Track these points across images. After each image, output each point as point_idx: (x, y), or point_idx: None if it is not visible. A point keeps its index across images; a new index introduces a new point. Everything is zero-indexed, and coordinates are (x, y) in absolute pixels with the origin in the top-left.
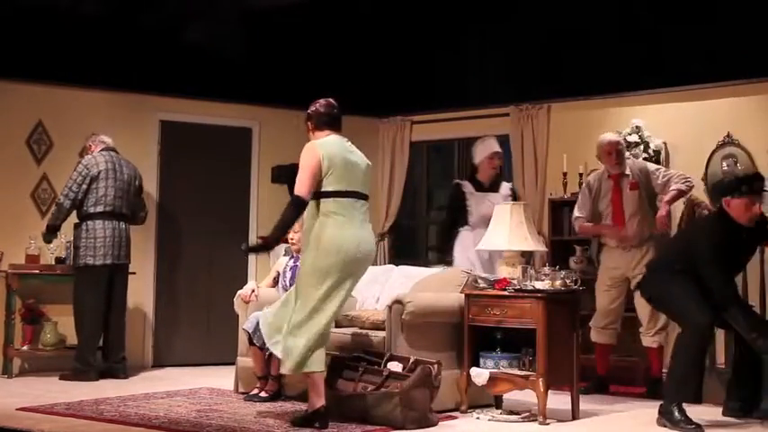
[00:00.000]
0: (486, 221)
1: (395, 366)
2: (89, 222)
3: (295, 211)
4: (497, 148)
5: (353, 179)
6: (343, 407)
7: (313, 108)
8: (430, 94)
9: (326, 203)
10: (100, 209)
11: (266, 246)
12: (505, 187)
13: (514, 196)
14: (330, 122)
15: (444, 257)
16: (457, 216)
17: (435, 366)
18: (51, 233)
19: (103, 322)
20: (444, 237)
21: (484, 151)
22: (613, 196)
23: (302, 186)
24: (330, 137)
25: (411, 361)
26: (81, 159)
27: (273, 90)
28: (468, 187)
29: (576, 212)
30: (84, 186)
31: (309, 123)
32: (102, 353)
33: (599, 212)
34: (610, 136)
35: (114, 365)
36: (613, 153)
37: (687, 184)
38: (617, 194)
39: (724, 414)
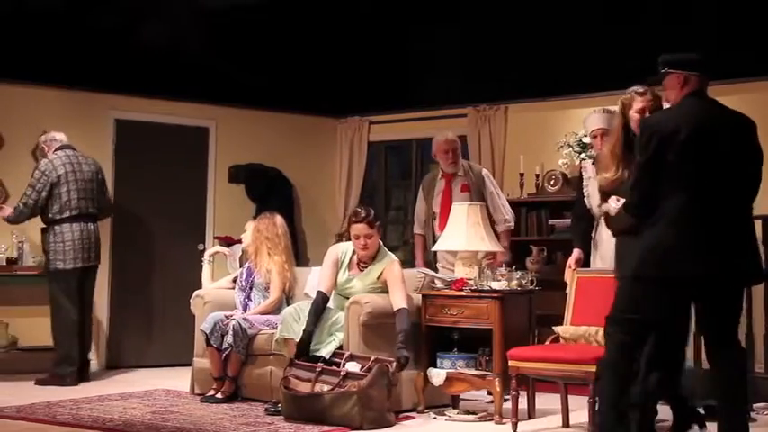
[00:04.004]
0: None
1: (353, 366)
2: (56, 227)
3: None
4: (597, 125)
5: None
6: (301, 407)
7: None
8: (388, 95)
9: None
10: (66, 214)
11: None
12: None
13: None
14: None
15: None
16: None
17: (393, 364)
18: (10, 223)
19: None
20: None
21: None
22: (444, 197)
23: None
24: None
25: (371, 360)
26: (38, 164)
27: (231, 89)
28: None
29: (416, 215)
30: (45, 193)
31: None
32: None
33: (433, 213)
34: (447, 135)
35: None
36: (450, 152)
37: (508, 225)
38: (447, 195)
39: None
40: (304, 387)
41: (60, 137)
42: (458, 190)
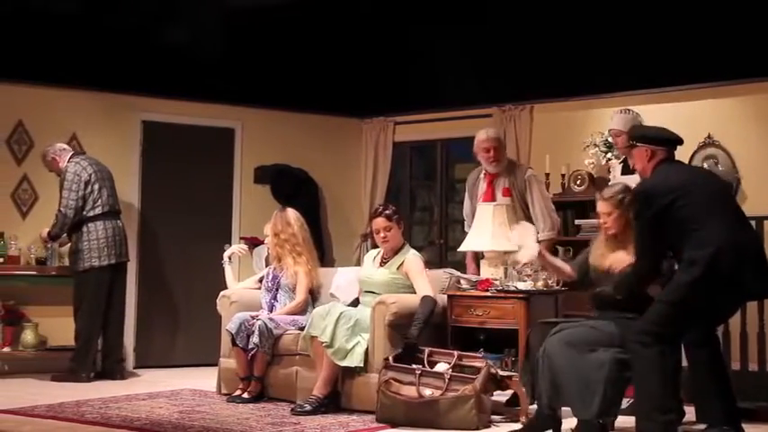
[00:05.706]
0: None
1: (441, 366)
2: (89, 224)
3: None
4: (612, 125)
5: None
6: (412, 413)
7: None
8: (413, 96)
9: None
10: (98, 210)
11: None
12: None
13: None
14: None
15: None
16: None
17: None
18: (53, 241)
19: (102, 323)
20: None
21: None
22: (485, 200)
23: None
24: None
25: (456, 356)
26: (64, 172)
27: (256, 91)
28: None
29: (464, 213)
30: (82, 193)
31: None
32: (101, 354)
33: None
34: (489, 131)
35: (112, 367)
36: (491, 150)
37: (546, 235)
38: (489, 198)
39: None
40: (408, 391)
41: (67, 146)
42: (500, 194)
